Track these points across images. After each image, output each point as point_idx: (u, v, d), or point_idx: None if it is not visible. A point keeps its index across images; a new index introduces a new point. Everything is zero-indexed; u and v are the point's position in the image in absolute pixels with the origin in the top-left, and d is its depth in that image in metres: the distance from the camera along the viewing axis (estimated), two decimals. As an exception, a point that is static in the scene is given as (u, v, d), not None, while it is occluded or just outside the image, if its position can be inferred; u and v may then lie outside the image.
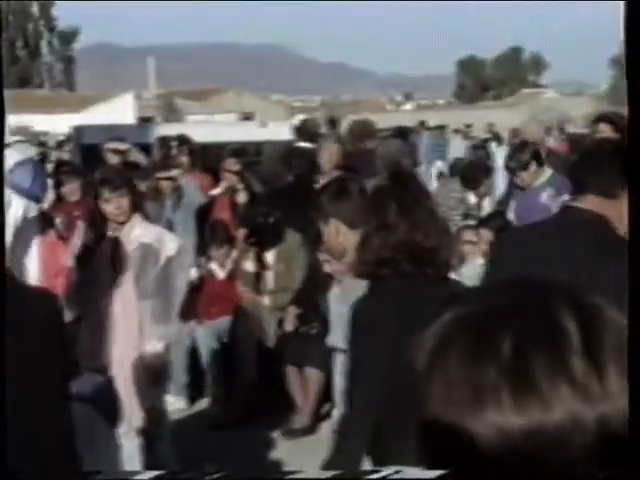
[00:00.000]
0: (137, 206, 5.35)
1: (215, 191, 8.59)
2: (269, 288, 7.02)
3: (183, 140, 9.33)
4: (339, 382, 4.99)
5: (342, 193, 4.73)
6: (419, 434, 0.99)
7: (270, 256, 6.99)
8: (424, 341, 1.00)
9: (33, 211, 4.15)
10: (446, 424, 0.96)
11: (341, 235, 4.58)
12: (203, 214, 8.18)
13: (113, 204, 5.22)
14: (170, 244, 5.28)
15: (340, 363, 5.00)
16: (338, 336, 4.89)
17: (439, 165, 14.46)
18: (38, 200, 4.16)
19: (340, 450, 2.96)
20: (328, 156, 7.94)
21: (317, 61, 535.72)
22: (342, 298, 4.79)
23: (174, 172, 8.18)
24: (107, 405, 3.77)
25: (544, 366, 0.94)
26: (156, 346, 5.17)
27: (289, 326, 6.70)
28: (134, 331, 5.14)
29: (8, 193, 4.11)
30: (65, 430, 3.13)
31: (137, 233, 5.25)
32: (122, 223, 5.24)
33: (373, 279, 3.13)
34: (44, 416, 3.04)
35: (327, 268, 5.29)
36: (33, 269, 4.65)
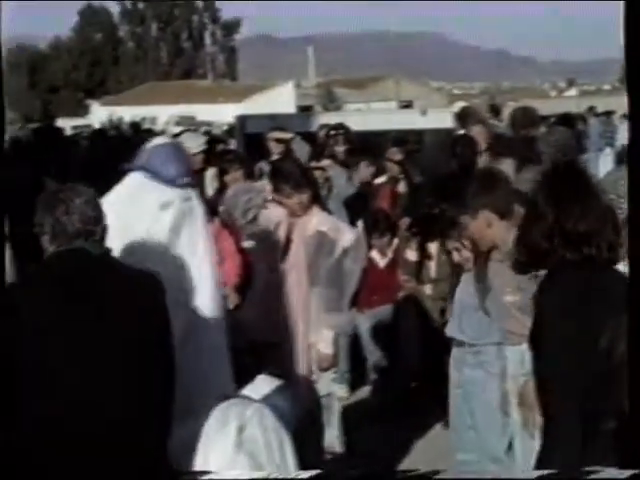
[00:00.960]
0: (315, 199, 5.38)
1: (378, 180, 8.58)
2: (432, 277, 6.96)
3: (344, 129, 9.35)
4: (452, 375, 4.94)
5: (490, 184, 4.59)
6: (619, 418, 0.95)
7: (433, 246, 6.93)
8: (622, 327, 0.95)
9: (170, 194, 4.10)
10: None
11: (493, 226, 4.46)
12: (359, 203, 8.15)
13: (295, 200, 5.26)
14: (347, 235, 5.28)
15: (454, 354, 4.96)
16: (454, 326, 4.86)
17: (608, 152, 14.06)
18: (173, 183, 4.11)
19: (553, 448, 2.86)
20: (476, 138, 7.81)
21: (478, 48, 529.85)
22: (466, 288, 4.73)
23: (325, 162, 8.20)
24: (281, 408, 3.80)
25: None
26: (327, 334, 5.19)
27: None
28: (304, 318, 5.18)
29: (145, 178, 4.11)
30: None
31: (315, 221, 5.28)
32: (300, 216, 5.28)
33: (549, 270, 3.04)
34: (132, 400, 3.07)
35: (457, 257, 5.16)
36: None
